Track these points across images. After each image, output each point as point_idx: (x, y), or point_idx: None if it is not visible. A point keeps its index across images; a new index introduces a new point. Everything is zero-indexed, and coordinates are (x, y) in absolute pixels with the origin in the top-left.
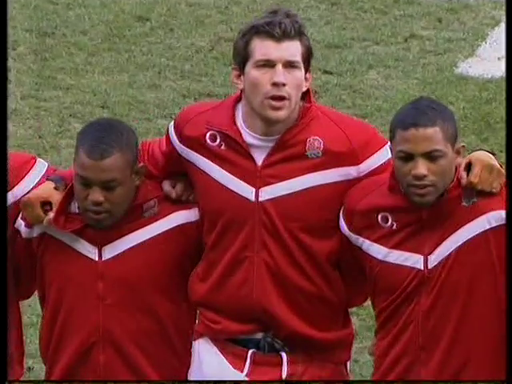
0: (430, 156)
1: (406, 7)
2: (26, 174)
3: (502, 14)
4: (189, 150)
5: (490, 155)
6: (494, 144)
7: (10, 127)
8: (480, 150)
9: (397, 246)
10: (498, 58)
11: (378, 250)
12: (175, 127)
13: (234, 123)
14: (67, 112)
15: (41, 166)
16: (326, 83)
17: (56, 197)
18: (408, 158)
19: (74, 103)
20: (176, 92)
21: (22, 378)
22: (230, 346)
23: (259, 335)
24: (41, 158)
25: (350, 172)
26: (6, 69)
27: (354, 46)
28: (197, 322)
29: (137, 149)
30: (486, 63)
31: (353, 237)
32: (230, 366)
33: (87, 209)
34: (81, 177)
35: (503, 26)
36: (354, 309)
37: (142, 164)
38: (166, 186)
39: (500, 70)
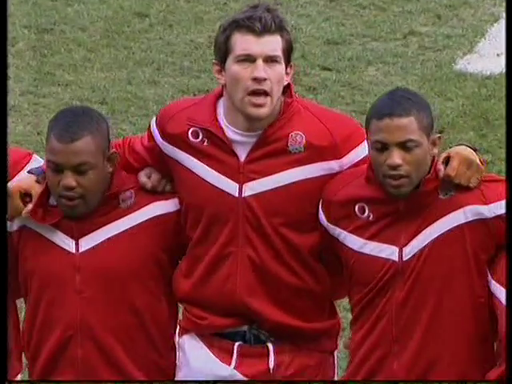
0: (405, 146)
1: (405, 4)
2: (20, 170)
3: (501, 11)
4: (171, 147)
5: (471, 150)
6: (493, 140)
7: (9, 123)
8: (461, 145)
9: (372, 237)
10: (497, 55)
11: (353, 241)
12: (157, 124)
13: (216, 119)
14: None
15: (36, 163)
16: (325, 79)
17: (36, 189)
18: (383, 147)
19: (72, 99)
20: (175, 88)
21: (21, 374)
22: (217, 340)
23: (245, 328)
24: (39, 154)
25: (333, 166)
26: (5, 65)
27: (353, 43)
28: (181, 318)
29: (109, 136)
30: (485, 60)
31: (330, 227)
32: (218, 360)
33: (60, 195)
34: (52, 162)
35: (502, 22)
36: (346, 303)
37: (113, 150)
38: (142, 176)
39: (499, 66)
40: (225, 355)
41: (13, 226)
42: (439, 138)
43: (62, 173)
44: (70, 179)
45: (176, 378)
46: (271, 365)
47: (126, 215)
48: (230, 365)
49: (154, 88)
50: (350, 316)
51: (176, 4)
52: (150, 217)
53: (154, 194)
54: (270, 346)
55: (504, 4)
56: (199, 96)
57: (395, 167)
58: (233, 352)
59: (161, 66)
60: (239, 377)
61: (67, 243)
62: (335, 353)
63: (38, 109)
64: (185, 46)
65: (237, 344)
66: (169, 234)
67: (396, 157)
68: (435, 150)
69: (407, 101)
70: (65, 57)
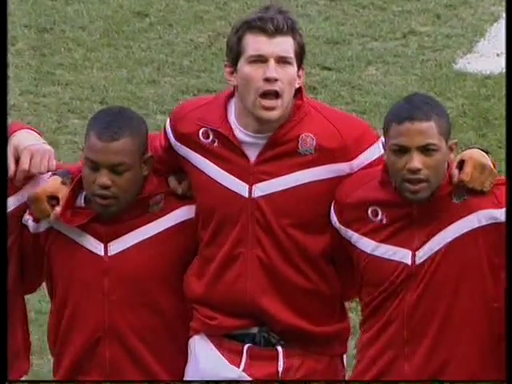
0: (425, 150)
1: (405, 3)
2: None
3: (501, 10)
4: (183, 147)
5: (484, 153)
6: (493, 140)
7: (9, 123)
8: (474, 147)
9: (385, 240)
10: (497, 55)
11: (366, 244)
12: (170, 123)
13: (226, 120)
14: (66, 108)
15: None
16: (325, 79)
17: (63, 191)
18: (402, 151)
19: (72, 99)
20: (175, 88)
21: (28, 373)
22: (226, 341)
23: (255, 330)
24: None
25: (343, 168)
26: (6, 65)
27: (353, 42)
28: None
29: (147, 139)
30: (485, 59)
31: (342, 229)
32: (227, 362)
33: (94, 193)
34: (90, 160)
35: (502, 22)
36: (353, 305)
37: (150, 154)
38: (172, 181)
39: (499, 66)
40: (234, 357)
41: (40, 227)
42: (456, 143)
43: (99, 171)
44: (105, 178)
45: (184, 379)
46: (280, 368)
47: (155, 220)
48: (239, 367)
49: (154, 87)
50: (356, 318)
51: (176, 3)
52: (178, 221)
53: (183, 199)
54: (280, 349)
55: (504, 4)
56: (205, 95)
57: (415, 171)
58: (242, 354)
59: (160, 65)
60: (247, 379)
61: (96, 246)
62: (344, 356)
63: (37, 108)
64: (185, 46)
65: (246, 346)
66: (195, 238)
67: (416, 161)
68: (452, 156)
69: (427, 105)
70: (65, 56)
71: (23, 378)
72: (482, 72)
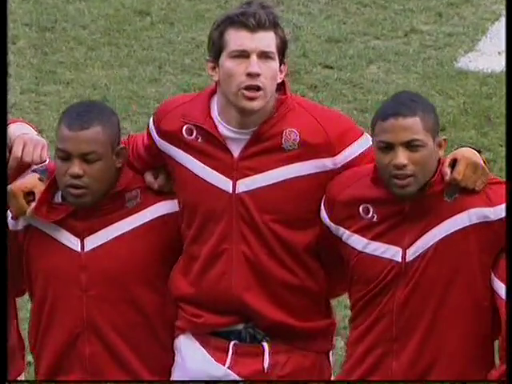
0: (410, 145)
1: (406, 2)
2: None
3: (502, 9)
4: (167, 144)
5: (476, 152)
6: (494, 138)
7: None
8: (466, 146)
9: (376, 238)
10: (499, 53)
11: (357, 241)
12: (154, 121)
13: (210, 116)
14: (67, 106)
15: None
16: (327, 78)
17: (39, 187)
18: (388, 148)
19: (73, 97)
20: (176, 86)
21: (24, 372)
22: (212, 339)
23: (240, 326)
24: None
25: (327, 164)
26: (6, 64)
27: (355, 41)
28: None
29: (118, 131)
30: (486, 58)
31: (333, 227)
32: (213, 360)
33: (66, 184)
34: (61, 150)
35: (503, 20)
36: (348, 302)
37: (122, 146)
38: (148, 176)
39: (500, 64)
40: (220, 354)
41: (18, 224)
42: (445, 140)
43: (70, 161)
44: (77, 168)
45: (171, 379)
46: (266, 364)
47: (131, 215)
48: (224, 364)
49: (156, 86)
50: (349, 313)
51: (177, 2)
52: (155, 216)
53: (160, 194)
54: (266, 345)
55: (504, 2)
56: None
57: (401, 167)
58: (228, 351)
59: (162, 64)
60: (233, 377)
61: (72, 242)
62: (330, 353)
63: (39, 107)
64: (186, 44)
65: (232, 343)
66: (174, 233)
67: (401, 157)
68: (441, 153)
69: (412, 102)
70: (66, 55)
71: (22, 378)
72: (483, 70)
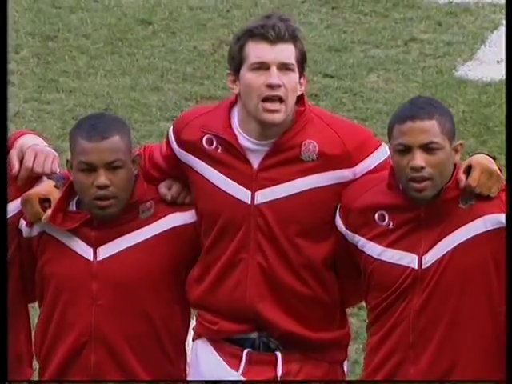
0: (428, 148)
1: (406, 11)
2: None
3: (501, 18)
4: (186, 154)
5: (490, 159)
6: (494, 147)
7: (13, 130)
8: (480, 153)
9: (392, 245)
10: (498, 62)
11: (372, 248)
12: (174, 131)
13: (230, 127)
14: (70, 115)
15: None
16: (327, 86)
17: (55, 194)
18: (406, 150)
19: (76, 106)
20: (178, 95)
21: (31, 379)
22: (227, 345)
23: (254, 334)
24: None
25: (345, 175)
26: (6, 72)
27: (355, 50)
28: (195, 323)
29: (130, 138)
30: (486, 66)
31: (349, 234)
32: (227, 366)
33: (94, 196)
34: (84, 163)
35: (503, 29)
36: (354, 310)
37: (136, 153)
38: (162, 188)
39: (499, 73)
40: (234, 361)
41: (32, 231)
42: (461, 145)
43: (95, 172)
44: (103, 177)
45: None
46: (279, 373)
47: (144, 226)
48: (237, 370)
49: (158, 95)
50: (353, 321)
51: (179, 11)
52: (168, 228)
53: (173, 206)
54: (279, 354)
55: (504, 11)
56: (203, 103)
57: (418, 169)
58: (241, 358)
59: (164, 72)
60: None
61: (85, 250)
62: (345, 363)
63: (41, 115)
64: (188, 53)
65: (246, 351)
66: (186, 245)
67: (419, 159)
68: (457, 158)
69: (429, 106)
70: (68, 64)
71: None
72: (482, 79)
